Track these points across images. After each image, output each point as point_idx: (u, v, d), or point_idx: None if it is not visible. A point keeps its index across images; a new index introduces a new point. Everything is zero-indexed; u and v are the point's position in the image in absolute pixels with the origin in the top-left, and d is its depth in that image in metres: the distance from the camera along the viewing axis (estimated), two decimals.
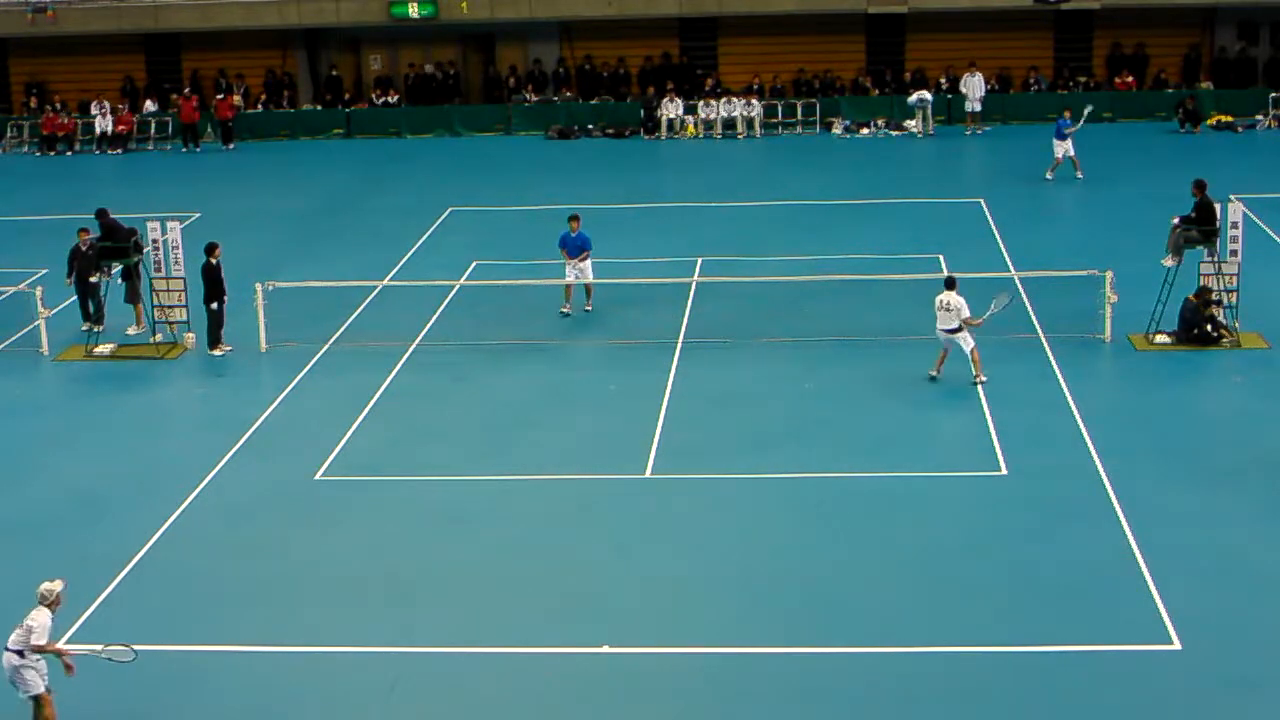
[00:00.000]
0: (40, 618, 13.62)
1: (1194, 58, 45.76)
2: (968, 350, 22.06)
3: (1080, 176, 36.15)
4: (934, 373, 22.36)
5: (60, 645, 13.98)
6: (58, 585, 13.83)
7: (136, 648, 14.04)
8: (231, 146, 45.16)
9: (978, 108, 43.79)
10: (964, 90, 44.00)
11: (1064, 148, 36.27)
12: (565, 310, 26.32)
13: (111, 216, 25.96)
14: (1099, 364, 23.36)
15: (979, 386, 21.93)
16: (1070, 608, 15.68)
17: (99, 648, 14.06)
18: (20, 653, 13.58)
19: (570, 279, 26.27)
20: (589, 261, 26.20)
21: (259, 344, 24.82)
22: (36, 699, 13.70)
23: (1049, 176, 36.33)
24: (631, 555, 17.37)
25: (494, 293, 27.36)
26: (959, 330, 21.90)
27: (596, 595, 16.42)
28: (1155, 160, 39.09)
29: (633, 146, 44.26)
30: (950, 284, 22.18)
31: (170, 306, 25.41)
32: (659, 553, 17.37)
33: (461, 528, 18.27)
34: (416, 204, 36.20)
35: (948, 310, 21.91)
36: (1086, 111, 37.09)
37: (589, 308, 26.40)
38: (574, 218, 26.34)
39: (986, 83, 44.60)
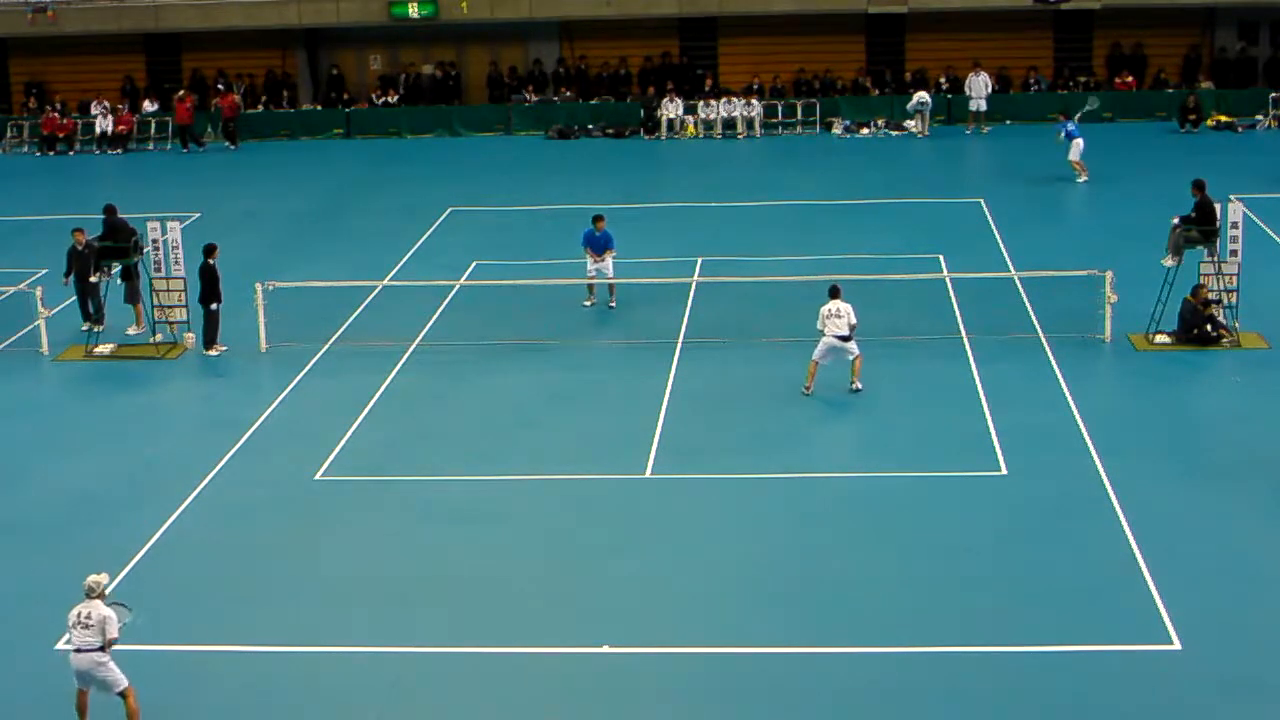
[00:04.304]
0: (106, 610, 13.60)
1: (1194, 58, 45.77)
2: (852, 357, 21.82)
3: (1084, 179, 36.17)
4: (807, 388, 21.92)
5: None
6: (104, 577, 13.89)
7: (136, 648, 14.07)
8: (236, 146, 45.14)
9: (983, 107, 43.73)
10: (968, 90, 43.97)
11: (1078, 148, 36.21)
12: (588, 303, 26.95)
13: (118, 215, 25.94)
14: (1099, 364, 23.34)
15: (858, 392, 21.81)
16: (1070, 608, 15.66)
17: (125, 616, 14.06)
18: (103, 648, 13.57)
19: (592, 275, 26.70)
20: (610, 259, 26.49)
21: (259, 344, 24.81)
22: (124, 693, 13.70)
23: (1083, 178, 36.12)
24: (631, 555, 17.35)
25: (494, 293, 27.36)
26: (849, 338, 21.65)
27: (596, 595, 16.42)
28: (1155, 160, 39.07)
29: (633, 146, 44.26)
30: (835, 293, 21.99)
31: (170, 306, 25.41)
32: (659, 553, 17.35)
33: (461, 528, 18.26)
34: (416, 204, 36.19)
35: (839, 317, 21.65)
36: (1086, 109, 36.82)
37: (613, 304, 26.77)
38: (599, 218, 26.74)
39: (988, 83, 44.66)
